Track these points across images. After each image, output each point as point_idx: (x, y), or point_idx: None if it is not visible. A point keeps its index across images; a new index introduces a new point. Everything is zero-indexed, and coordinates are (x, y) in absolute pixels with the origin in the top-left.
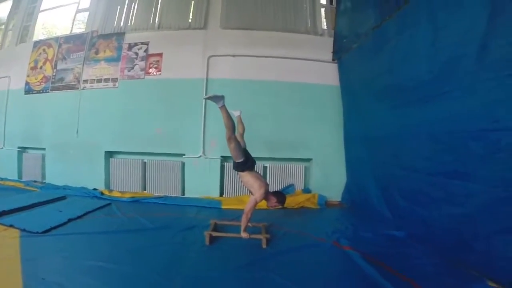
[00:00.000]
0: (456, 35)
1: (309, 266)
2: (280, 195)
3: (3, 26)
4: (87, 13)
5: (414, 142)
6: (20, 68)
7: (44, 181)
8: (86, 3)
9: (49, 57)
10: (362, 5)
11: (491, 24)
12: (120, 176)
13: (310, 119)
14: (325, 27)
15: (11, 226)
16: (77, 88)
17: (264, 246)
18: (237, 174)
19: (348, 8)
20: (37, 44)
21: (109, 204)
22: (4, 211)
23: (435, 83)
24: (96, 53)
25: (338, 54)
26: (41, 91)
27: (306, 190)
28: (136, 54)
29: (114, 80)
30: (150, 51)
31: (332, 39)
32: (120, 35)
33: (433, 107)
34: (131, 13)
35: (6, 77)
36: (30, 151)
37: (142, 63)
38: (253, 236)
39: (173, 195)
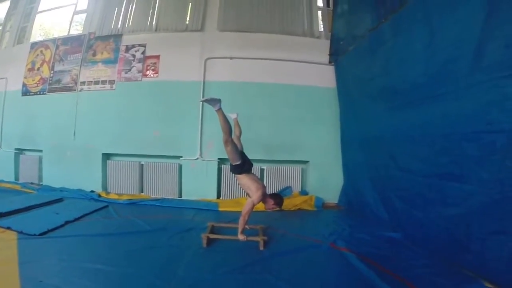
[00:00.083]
0: (451, 37)
1: (306, 268)
2: (278, 197)
3: (0, 27)
4: (84, 15)
5: (410, 144)
6: (17, 69)
7: (41, 183)
8: (83, 4)
9: (47, 59)
10: (359, 7)
11: (486, 27)
12: (117, 178)
13: (307, 121)
14: (322, 29)
15: (8, 228)
16: (74, 90)
17: (261, 248)
18: (234, 176)
19: (344, 11)
20: (35, 45)
21: (106, 206)
22: (1, 213)
23: (431, 85)
24: (94, 55)
25: (334, 56)
26: (38, 93)
27: (303, 192)
28: (134, 56)
29: (111, 82)
30: (148, 53)
31: (328, 41)
32: (117, 37)
33: (428, 109)
34: (129, 15)
35: (3, 78)
36: (27, 153)
37: (139, 65)
38: (250, 238)
39: (170, 197)
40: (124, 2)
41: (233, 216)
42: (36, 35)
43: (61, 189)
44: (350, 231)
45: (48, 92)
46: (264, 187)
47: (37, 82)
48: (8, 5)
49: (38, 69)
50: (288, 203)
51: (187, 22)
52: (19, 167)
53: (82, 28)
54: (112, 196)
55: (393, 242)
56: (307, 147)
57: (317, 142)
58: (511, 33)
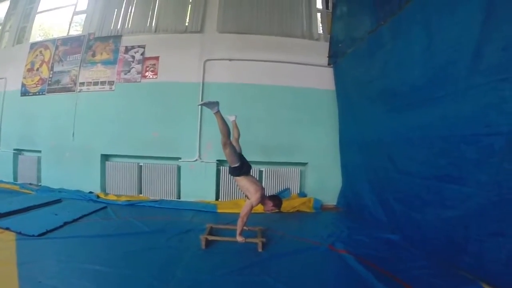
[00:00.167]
0: (450, 40)
1: (304, 269)
2: (277, 199)
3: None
4: (84, 15)
5: (409, 146)
6: (17, 69)
7: (39, 183)
8: (83, 5)
9: (46, 59)
10: (358, 10)
11: (484, 30)
12: (116, 180)
13: (306, 123)
14: (321, 31)
15: (7, 229)
16: (74, 91)
17: (259, 249)
18: (233, 178)
19: (344, 13)
20: (34, 45)
21: (105, 208)
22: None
23: (429, 87)
24: (93, 55)
25: (333, 58)
26: (37, 93)
27: (302, 194)
28: (133, 57)
29: (111, 83)
30: (147, 54)
31: (327, 43)
32: (117, 38)
33: (427, 112)
34: (128, 16)
35: (2, 78)
36: (25, 153)
37: (139, 66)
38: (249, 240)
39: (169, 199)
40: (124, 3)
41: (232, 218)
42: (36, 35)
43: (60, 190)
44: (349, 233)
45: (47, 92)
46: (262, 189)
47: (36, 83)
48: (8, 5)
49: (37, 69)
50: (287, 205)
51: (187, 24)
52: (17, 167)
53: (82, 29)
54: (111, 197)
55: (392, 244)
56: (306, 149)
57: (315, 144)
58: (509, 35)
